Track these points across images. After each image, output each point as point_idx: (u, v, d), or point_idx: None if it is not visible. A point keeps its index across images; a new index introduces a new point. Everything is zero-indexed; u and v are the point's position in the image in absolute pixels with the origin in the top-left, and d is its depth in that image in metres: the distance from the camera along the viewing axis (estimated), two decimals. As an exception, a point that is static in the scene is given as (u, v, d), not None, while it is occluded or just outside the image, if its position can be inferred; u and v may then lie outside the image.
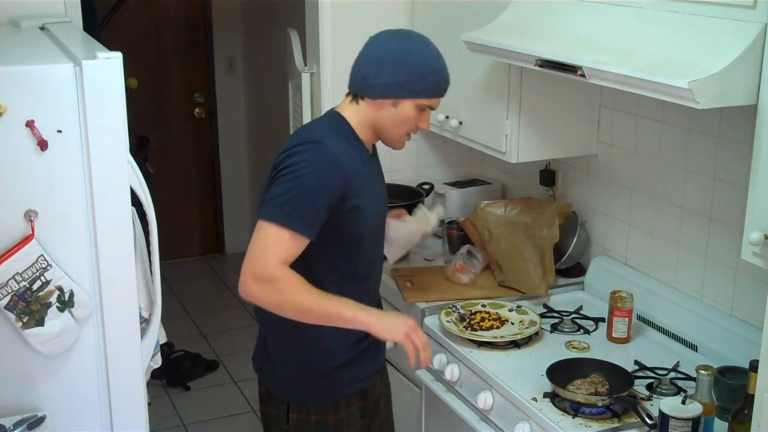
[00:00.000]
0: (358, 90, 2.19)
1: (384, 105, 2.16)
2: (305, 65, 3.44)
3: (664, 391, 2.30)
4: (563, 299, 2.89)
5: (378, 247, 2.35)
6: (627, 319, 2.59)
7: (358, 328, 2.12)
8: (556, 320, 2.73)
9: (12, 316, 1.97)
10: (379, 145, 2.33)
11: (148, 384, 2.27)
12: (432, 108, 2.21)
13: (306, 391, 2.26)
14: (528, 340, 2.61)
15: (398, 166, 3.42)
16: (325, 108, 3.31)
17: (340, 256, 2.19)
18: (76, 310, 2.03)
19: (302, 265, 2.10)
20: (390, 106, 2.16)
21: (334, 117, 2.23)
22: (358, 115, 2.20)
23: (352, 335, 2.20)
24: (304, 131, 2.22)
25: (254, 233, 2.09)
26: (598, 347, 2.57)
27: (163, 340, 2.32)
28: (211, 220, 6.14)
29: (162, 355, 2.34)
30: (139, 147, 4.47)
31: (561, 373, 2.30)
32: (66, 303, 2.01)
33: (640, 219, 2.77)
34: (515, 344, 2.57)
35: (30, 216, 1.96)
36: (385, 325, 2.11)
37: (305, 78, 3.37)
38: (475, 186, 3.46)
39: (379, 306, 2.39)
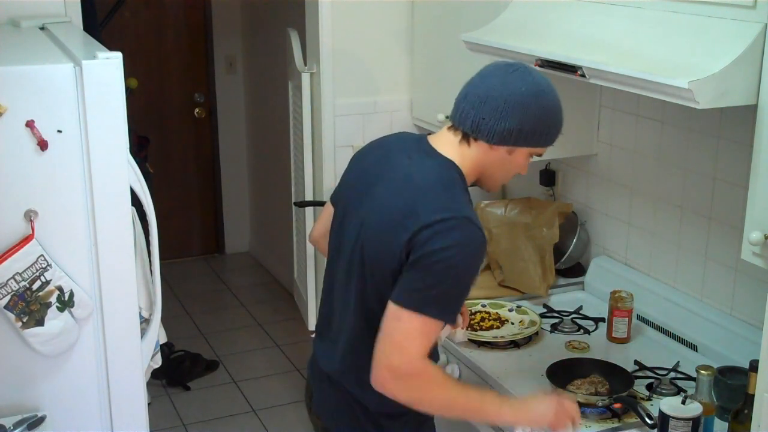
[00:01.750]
0: (472, 131, 1.92)
1: (499, 150, 1.93)
2: (305, 65, 3.44)
3: (664, 391, 2.30)
4: (563, 299, 2.89)
5: None
6: (627, 319, 2.59)
7: (502, 423, 2.01)
8: (556, 320, 2.73)
9: (12, 316, 1.97)
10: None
11: (148, 384, 2.27)
12: (540, 156, 2.02)
13: None
14: (528, 340, 2.61)
15: (398, 166, 3.42)
16: (325, 108, 3.32)
17: None
18: (76, 310, 2.03)
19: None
20: (505, 152, 1.93)
21: (449, 167, 1.95)
22: (464, 157, 1.95)
23: None
24: (436, 194, 1.89)
25: (391, 320, 1.84)
26: (598, 347, 2.57)
27: (163, 340, 2.32)
28: (211, 220, 6.14)
29: (162, 355, 2.34)
30: (139, 147, 4.48)
31: (561, 373, 2.30)
32: (66, 303, 2.01)
33: (640, 219, 2.77)
34: (515, 344, 2.58)
35: (30, 216, 1.96)
36: (531, 418, 1.94)
37: (305, 78, 3.37)
38: (475, 186, 3.45)
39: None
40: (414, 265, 1.83)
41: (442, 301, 1.83)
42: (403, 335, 1.83)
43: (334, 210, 2.16)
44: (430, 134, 2.06)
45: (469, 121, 1.91)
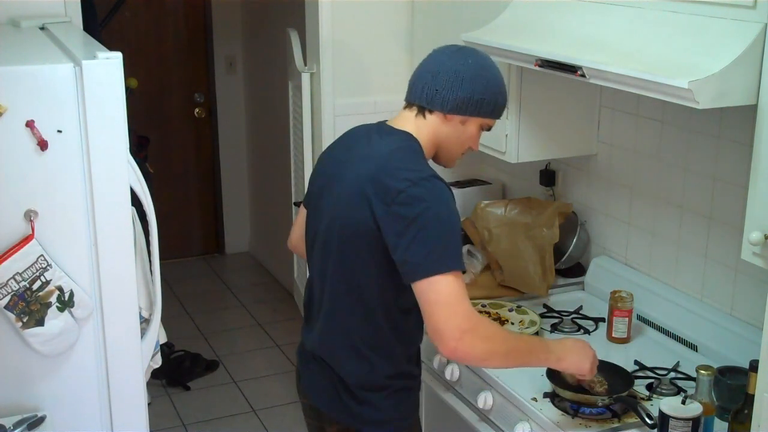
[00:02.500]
0: (427, 102, 2.07)
1: (453, 120, 2.07)
2: (305, 65, 3.44)
3: (664, 391, 2.30)
4: (563, 299, 2.89)
5: None
6: (627, 319, 2.59)
7: (548, 365, 2.10)
8: (556, 320, 2.73)
9: (12, 316, 1.97)
10: None
11: (148, 384, 2.27)
12: (489, 129, 2.16)
13: (403, 417, 2.21)
14: (528, 340, 2.60)
15: (398, 166, 3.42)
16: (325, 108, 3.32)
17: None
18: (76, 310, 2.03)
19: (381, 305, 2.06)
20: (458, 123, 2.08)
21: (407, 138, 2.08)
22: (425, 130, 2.09)
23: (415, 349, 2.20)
24: (400, 164, 2.01)
25: (429, 293, 1.90)
26: (598, 347, 2.55)
27: (163, 340, 2.32)
28: (211, 220, 6.14)
29: (162, 355, 2.33)
30: (139, 147, 4.48)
31: (561, 373, 2.30)
32: (66, 303, 2.01)
33: (640, 219, 2.77)
34: (515, 344, 2.57)
35: (30, 216, 1.96)
36: (573, 361, 2.09)
37: (305, 78, 3.37)
38: (475, 186, 3.46)
39: None
40: (408, 234, 1.91)
41: (452, 252, 1.92)
42: (448, 297, 1.90)
43: (307, 210, 2.27)
44: (387, 120, 2.19)
45: (423, 94, 2.07)
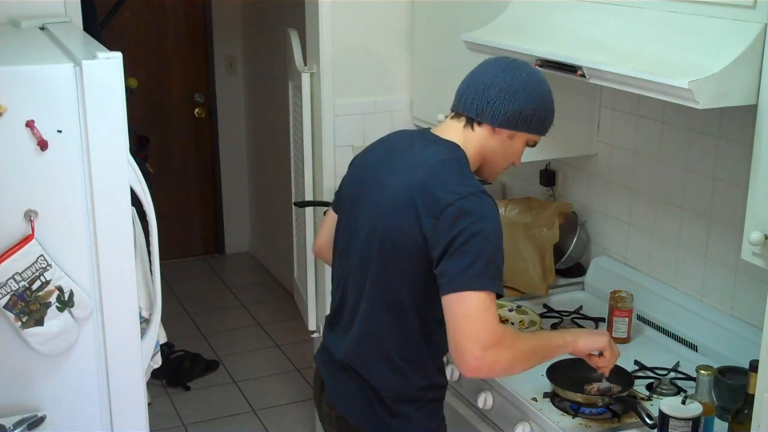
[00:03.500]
0: (477, 114, 2.02)
1: (501, 134, 2.03)
2: (305, 65, 3.44)
3: (664, 391, 2.30)
4: (563, 299, 2.89)
5: None
6: (627, 319, 2.59)
7: (566, 352, 2.11)
8: (556, 320, 2.73)
9: (11, 316, 1.97)
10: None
11: (148, 384, 2.27)
12: (533, 146, 2.12)
13: (434, 427, 2.18)
14: (528, 340, 2.60)
15: (398, 166, 3.42)
16: (325, 108, 3.32)
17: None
18: (75, 310, 2.03)
19: (418, 317, 2.03)
20: (506, 137, 2.04)
21: (455, 149, 2.04)
22: (472, 142, 2.04)
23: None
24: (449, 175, 1.97)
25: (458, 307, 1.88)
26: (598, 347, 2.57)
27: (163, 340, 2.32)
28: (211, 220, 6.14)
29: (162, 355, 2.34)
30: (139, 147, 4.48)
31: (561, 373, 2.30)
32: (66, 303, 2.01)
33: (640, 219, 2.77)
34: (515, 344, 2.57)
35: (30, 216, 1.96)
36: (587, 339, 2.09)
37: (305, 78, 3.37)
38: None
39: None
40: (449, 249, 1.88)
41: (492, 273, 1.89)
42: (476, 313, 1.87)
43: (338, 214, 2.19)
44: (431, 128, 2.13)
45: (474, 105, 2.02)
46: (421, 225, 1.92)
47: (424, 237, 1.92)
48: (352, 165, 2.22)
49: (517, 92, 2.00)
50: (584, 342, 2.08)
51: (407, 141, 2.11)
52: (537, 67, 2.25)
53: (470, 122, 2.04)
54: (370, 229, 2.04)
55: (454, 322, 1.88)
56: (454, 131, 2.06)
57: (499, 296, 1.91)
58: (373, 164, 2.13)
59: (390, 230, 1.99)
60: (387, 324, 2.04)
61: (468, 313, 1.87)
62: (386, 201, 2.01)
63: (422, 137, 2.09)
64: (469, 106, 2.03)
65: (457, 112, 2.07)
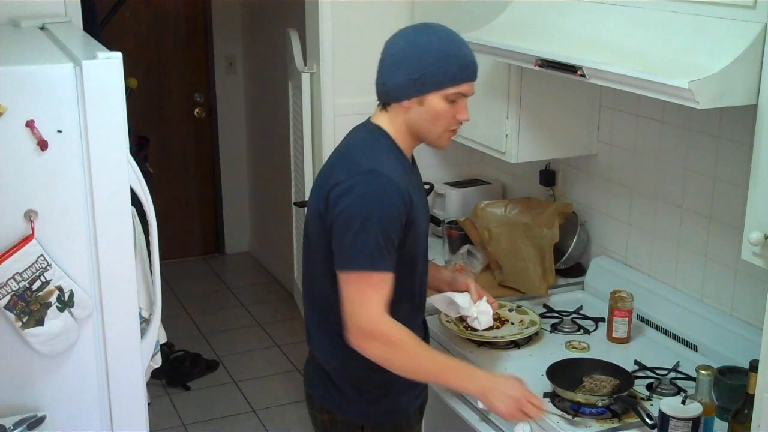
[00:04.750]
0: (382, 97, 2.09)
1: (411, 106, 2.04)
2: (305, 65, 3.44)
3: (664, 391, 2.30)
4: (563, 299, 2.89)
5: (426, 261, 2.23)
6: (627, 319, 2.59)
7: (465, 392, 2.12)
8: (556, 320, 2.73)
9: (12, 316, 1.97)
10: None
11: (148, 384, 2.27)
12: (465, 95, 2.05)
13: (381, 414, 2.20)
14: (528, 340, 2.61)
15: (398, 166, 3.42)
16: (326, 108, 3.32)
17: (398, 277, 2.04)
18: (75, 310, 2.03)
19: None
20: (417, 105, 2.03)
21: (373, 131, 2.11)
22: (391, 123, 2.08)
23: None
24: (351, 157, 2.07)
25: (342, 286, 1.98)
26: (598, 347, 2.57)
27: (163, 340, 2.32)
28: (211, 220, 6.14)
29: (162, 355, 2.34)
30: (139, 147, 4.47)
31: (561, 373, 2.30)
32: (66, 303, 2.01)
33: (640, 219, 2.77)
34: (515, 344, 2.58)
35: (30, 216, 1.96)
36: (496, 400, 2.03)
37: (305, 78, 3.37)
38: (475, 186, 3.46)
39: (423, 322, 2.31)
40: (333, 228, 1.98)
41: (370, 253, 1.93)
42: (355, 295, 1.96)
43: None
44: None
45: (378, 89, 2.08)
46: (320, 206, 2.02)
47: (321, 218, 2.02)
48: None
49: (398, 61, 2.00)
50: (491, 405, 2.05)
51: (352, 130, 2.21)
52: (537, 67, 2.25)
53: (384, 107, 2.09)
54: (305, 222, 2.17)
55: (342, 298, 1.99)
56: (378, 116, 2.12)
57: (392, 272, 1.97)
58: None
59: (309, 215, 2.11)
60: (323, 302, 2.11)
61: (345, 294, 1.97)
62: (313, 187, 2.14)
63: (362, 125, 2.18)
64: (377, 91, 2.09)
65: (377, 99, 2.14)
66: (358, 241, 1.93)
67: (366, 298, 1.95)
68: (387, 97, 2.06)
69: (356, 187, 1.96)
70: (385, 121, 2.10)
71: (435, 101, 2.02)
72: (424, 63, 1.98)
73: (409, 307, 2.15)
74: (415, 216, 2.04)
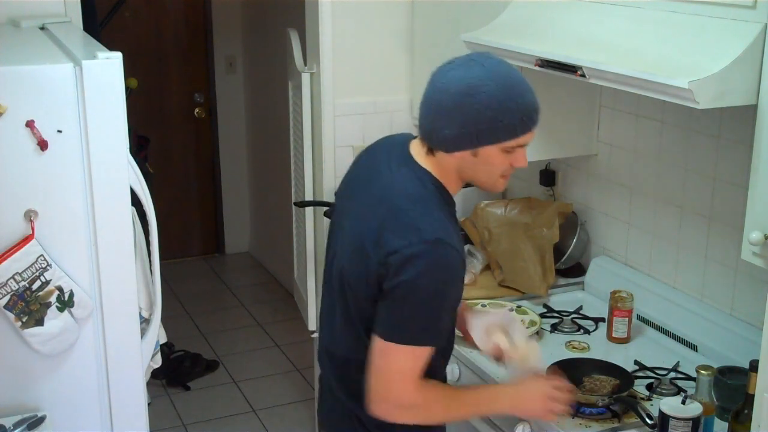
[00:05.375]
0: (428, 143, 1.85)
1: (462, 156, 1.81)
2: (305, 65, 3.44)
3: (664, 391, 2.30)
4: (563, 299, 2.89)
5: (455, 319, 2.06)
6: (627, 319, 2.59)
7: (505, 414, 2.06)
8: (556, 320, 2.73)
9: (11, 316, 1.97)
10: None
11: (148, 384, 2.27)
12: (524, 145, 1.83)
13: None
14: (528, 340, 2.61)
15: (398, 166, 3.42)
16: (326, 108, 3.32)
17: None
18: (75, 310, 2.03)
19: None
20: (470, 156, 1.81)
21: (422, 177, 1.87)
22: (440, 168, 1.87)
23: None
24: (407, 216, 1.81)
25: (379, 355, 1.82)
26: (598, 347, 2.57)
27: (163, 340, 2.33)
28: (211, 220, 6.14)
29: (162, 355, 2.34)
30: (139, 147, 4.48)
31: (561, 373, 2.30)
32: (66, 303, 2.01)
33: (640, 219, 2.77)
34: (515, 344, 2.57)
35: (30, 216, 1.96)
36: (527, 408, 2.00)
37: (305, 78, 3.37)
38: (475, 186, 3.45)
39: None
40: (389, 295, 1.80)
41: (424, 328, 1.82)
42: (394, 369, 1.83)
43: (331, 219, 2.14)
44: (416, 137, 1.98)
45: (424, 132, 1.85)
46: (371, 270, 1.81)
47: (373, 282, 1.83)
48: (351, 165, 2.13)
49: (449, 112, 1.75)
50: (522, 414, 2.04)
51: (387, 156, 1.96)
52: (537, 67, 2.22)
53: (430, 150, 1.86)
54: (337, 259, 1.97)
55: (372, 365, 1.85)
56: (423, 157, 1.89)
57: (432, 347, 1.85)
58: (355, 176, 2.05)
59: (349, 270, 1.90)
60: (361, 358, 1.91)
61: (385, 367, 1.83)
62: (349, 234, 1.93)
63: (399, 156, 1.93)
64: (422, 133, 1.85)
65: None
66: (417, 314, 1.79)
67: (406, 375, 1.83)
68: (433, 144, 1.83)
69: (421, 258, 1.75)
70: (432, 164, 1.87)
71: (491, 153, 1.81)
72: (480, 118, 1.74)
73: (442, 362, 2.04)
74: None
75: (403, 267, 1.76)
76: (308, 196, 3.47)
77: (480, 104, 1.73)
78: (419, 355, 1.83)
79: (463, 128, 1.75)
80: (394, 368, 1.83)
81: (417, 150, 1.91)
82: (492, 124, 1.75)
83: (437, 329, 1.86)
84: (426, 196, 1.86)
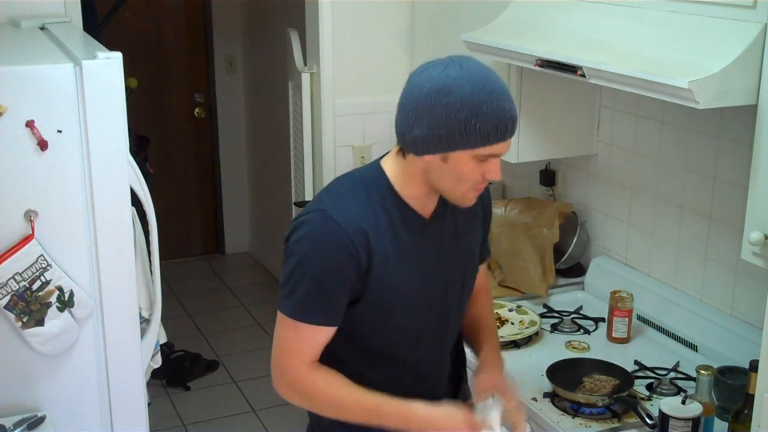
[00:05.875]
0: (400, 143, 1.76)
1: (431, 160, 1.70)
2: (305, 65, 3.44)
3: (664, 391, 2.30)
4: (563, 299, 2.89)
5: (423, 325, 1.88)
6: (627, 319, 2.59)
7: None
8: (556, 320, 2.73)
9: (12, 316, 1.97)
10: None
11: (148, 384, 2.27)
12: (497, 155, 1.70)
13: None
14: (528, 340, 2.61)
15: (398, 166, 3.42)
16: (325, 108, 3.32)
17: (361, 330, 1.83)
18: (76, 310, 2.03)
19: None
20: (439, 161, 1.70)
21: (370, 169, 1.83)
22: (403, 169, 1.77)
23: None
24: (320, 193, 1.84)
25: (276, 325, 1.83)
26: (598, 347, 2.57)
27: (163, 340, 2.33)
28: (211, 220, 6.14)
29: (162, 355, 2.34)
30: (139, 147, 4.48)
31: (561, 373, 2.30)
32: (66, 303, 2.01)
33: (640, 219, 2.77)
34: (515, 344, 2.57)
35: (30, 216, 1.96)
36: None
37: (305, 78, 3.37)
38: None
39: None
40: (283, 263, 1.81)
41: (299, 299, 1.75)
42: (279, 339, 1.81)
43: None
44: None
45: (397, 131, 1.74)
46: None
47: None
48: None
49: (420, 112, 1.66)
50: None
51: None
52: (537, 67, 2.20)
53: (402, 150, 1.77)
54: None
55: (274, 336, 1.84)
56: (390, 158, 1.82)
57: (331, 325, 1.77)
58: None
59: None
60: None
61: (276, 336, 1.81)
62: None
63: (367, 166, 1.91)
64: (396, 133, 1.75)
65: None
66: (291, 283, 1.76)
67: (292, 348, 1.78)
68: (405, 146, 1.74)
69: (303, 227, 1.74)
70: (393, 165, 1.80)
71: (461, 160, 1.69)
72: (452, 119, 1.64)
73: (383, 377, 1.83)
74: (383, 272, 1.75)
75: (290, 232, 1.77)
76: (308, 196, 3.47)
77: (452, 105, 1.64)
78: (303, 333, 1.77)
79: (433, 129, 1.65)
80: (279, 338, 1.81)
81: (388, 155, 1.85)
82: (463, 127, 1.64)
83: (310, 305, 1.75)
84: (357, 180, 1.81)
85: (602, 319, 2.70)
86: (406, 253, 1.79)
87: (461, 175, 1.71)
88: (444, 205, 1.84)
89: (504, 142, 1.69)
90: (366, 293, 1.77)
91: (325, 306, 1.75)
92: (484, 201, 1.95)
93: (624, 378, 2.28)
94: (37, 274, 1.97)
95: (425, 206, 1.82)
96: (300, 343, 1.78)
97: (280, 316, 1.80)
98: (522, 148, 2.80)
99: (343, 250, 1.71)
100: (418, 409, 1.78)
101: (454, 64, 1.70)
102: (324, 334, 1.78)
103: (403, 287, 1.80)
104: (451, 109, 1.64)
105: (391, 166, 1.80)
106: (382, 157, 1.86)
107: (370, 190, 1.78)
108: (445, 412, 1.78)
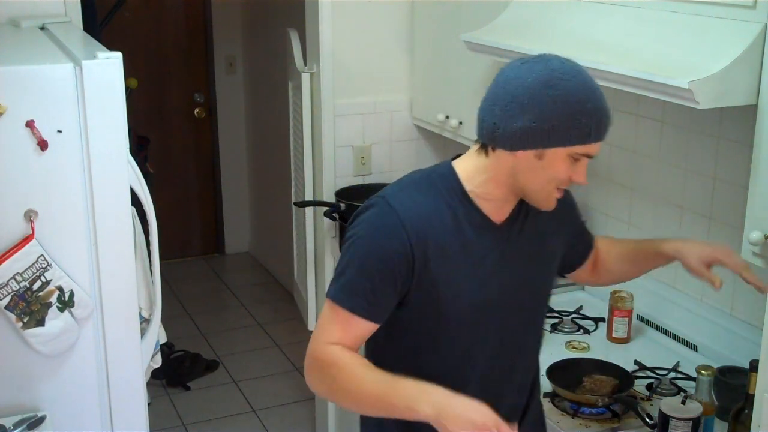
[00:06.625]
0: (489, 139, 1.66)
1: (525, 157, 1.63)
2: (305, 65, 3.44)
3: (664, 391, 2.30)
4: (563, 299, 2.89)
5: (481, 342, 1.77)
6: (627, 319, 2.59)
7: (419, 420, 1.59)
8: (556, 320, 2.73)
9: (12, 316, 1.97)
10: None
11: (148, 384, 2.27)
12: (590, 156, 1.67)
13: None
14: (528, 340, 2.61)
15: (398, 167, 3.42)
16: (325, 108, 3.32)
17: (408, 342, 1.77)
18: (76, 310, 2.03)
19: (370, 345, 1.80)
20: (533, 158, 1.63)
21: (440, 166, 1.76)
22: (483, 168, 1.70)
23: None
24: (389, 186, 1.78)
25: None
26: (598, 347, 2.57)
27: (163, 340, 2.33)
28: (211, 220, 6.14)
29: (162, 355, 2.34)
30: (139, 147, 4.48)
31: (561, 373, 2.30)
32: (66, 303, 2.01)
33: (640, 219, 2.76)
34: (515, 344, 2.57)
35: (30, 216, 1.96)
36: (451, 425, 1.54)
37: (305, 78, 3.37)
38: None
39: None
40: None
41: (343, 283, 1.69)
42: (319, 324, 1.74)
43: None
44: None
45: (483, 129, 1.67)
46: None
47: None
48: None
49: (523, 103, 1.60)
50: (446, 428, 1.55)
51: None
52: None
53: (484, 147, 1.70)
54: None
55: None
56: (466, 158, 1.76)
57: (370, 321, 1.69)
58: None
59: None
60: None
61: (320, 316, 1.77)
62: None
63: (435, 166, 1.85)
64: (481, 131, 1.68)
65: (477, 137, 1.73)
66: (341, 267, 1.71)
67: (325, 330, 1.72)
68: (494, 141, 1.65)
69: (364, 214, 1.71)
70: (467, 161, 1.74)
71: (557, 157, 1.63)
72: (558, 112, 1.58)
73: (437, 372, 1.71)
74: (441, 278, 1.68)
75: (352, 219, 1.74)
76: (308, 196, 3.47)
77: (559, 98, 1.59)
78: (341, 318, 1.69)
79: (536, 122, 1.59)
80: (320, 319, 1.75)
81: (463, 156, 1.78)
82: (568, 122, 1.60)
83: (355, 292, 1.68)
84: (421, 178, 1.76)
85: (602, 319, 2.70)
86: (468, 255, 1.71)
87: (552, 174, 1.66)
88: (520, 211, 1.77)
89: (599, 143, 1.66)
90: (417, 291, 1.69)
91: (368, 296, 1.67)
92: (566, 198, 1.84)
93: (624, 378, 2.28)
94: (38, 274, 1.97)
95: (499, 210, 1.75)
96: (332, 325, 1.70)
97: (326, 302, 1.74)
98: (522, 148, 2.79)
99: (396, 239, 1.65)
100: (436, 391, 1.59)
101: (554, 59, 1.67)
102: (361, 326, 1.69)
103: (462, 292, 1.71)
104: (558, 102, 1.59)
105: (464, 167, 1.73)
106: (454, 158, 1.78)
107: (438, 186, 1.72)
108: (469, 402, 1.58)
